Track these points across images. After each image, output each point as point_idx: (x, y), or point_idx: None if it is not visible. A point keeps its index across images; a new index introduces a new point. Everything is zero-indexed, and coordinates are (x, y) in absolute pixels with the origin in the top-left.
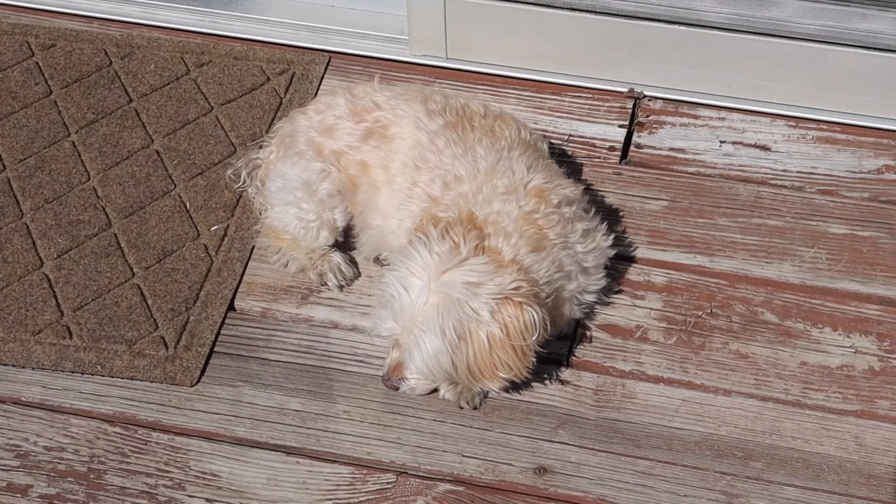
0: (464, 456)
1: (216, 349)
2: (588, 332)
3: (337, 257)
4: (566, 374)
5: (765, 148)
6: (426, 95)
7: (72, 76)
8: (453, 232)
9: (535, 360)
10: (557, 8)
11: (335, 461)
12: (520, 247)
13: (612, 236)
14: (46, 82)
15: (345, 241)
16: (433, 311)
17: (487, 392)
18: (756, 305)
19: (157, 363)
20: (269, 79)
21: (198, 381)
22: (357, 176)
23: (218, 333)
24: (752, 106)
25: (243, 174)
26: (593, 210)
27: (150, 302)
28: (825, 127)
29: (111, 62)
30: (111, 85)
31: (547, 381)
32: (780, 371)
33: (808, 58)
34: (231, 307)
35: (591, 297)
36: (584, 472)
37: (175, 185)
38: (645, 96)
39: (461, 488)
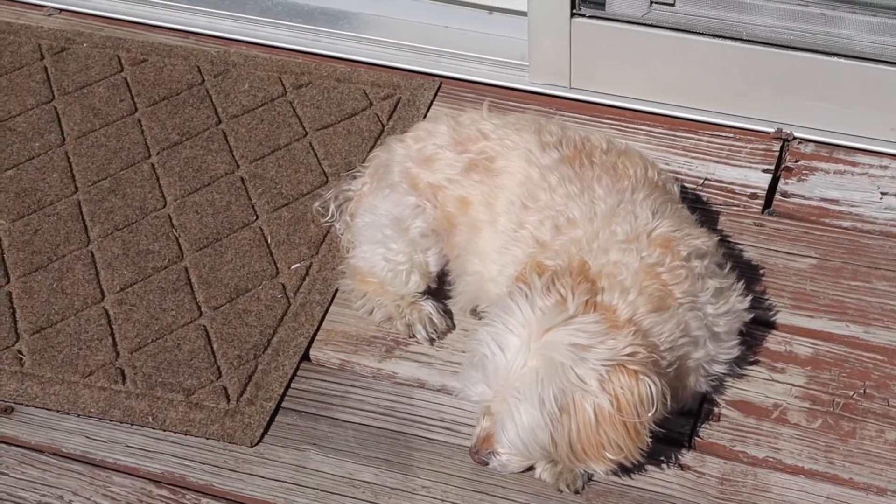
0: None
1: (284, 404)
2: (716, 409)
3: (428, 306)
4: (687, 457)
5: None
6: (541, 125)
7: (160, 94)
8: (560, 283)
9: (650, 440)
10: (699, 34)
11: None
12: (639, 305)
13: (750, 297)
14: (132, 99)
15: (438, 289)
16: (532, 377)
17: (592, 474)
18: None
19: (215, 417)
20: (371, 104)
21: (259, 441)
22: (455, 214)
23: (287, 386)
24: None
25: (332, 207)
26: (729, 266)
27: (215, 346)
28: None
29: (203, 80)
30: (201, 104)
31: (664, 465)
32: None
33: None
34: (305, 357)
35: (721, 368)
36: None
37: (257, 217)
38: (794, 138)
39: None
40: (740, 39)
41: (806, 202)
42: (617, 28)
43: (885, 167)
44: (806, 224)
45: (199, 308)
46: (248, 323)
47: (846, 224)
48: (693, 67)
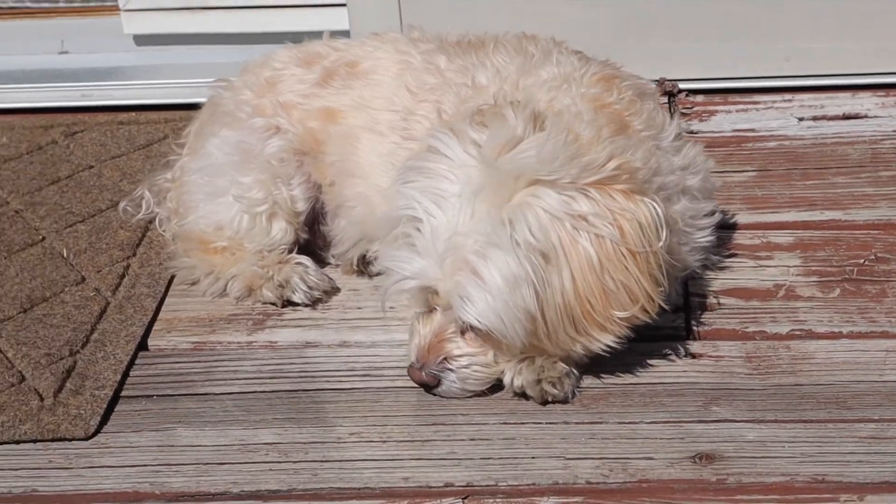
0: (568, 459)
1: (124, 393)
2: (708, 301)
3: (303, 260)
4: (694, 346)
5: (858, 116)
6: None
7: None
8: (491, 113)
9: (664, 287)
10: None
11: (351, 498)
12: (601, 125)
13: (712, 160)
14: None
15: (308, 251)
16: (493, 220)
17: (580, 375)
18: None
19: (25, 417)
20: (166, 136)
21: (97, 432)
22: (320, 129)
23: (125, 375)
24: (822, 81)
25: (147, 198)
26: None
27: (10, 354)
28: None
29: None
30: None
31: (670, 357)
32: None
33: None
34: (143, 347)
35: (704, 238)
36: (774, 451)
37: (44, 238)
38: (680, 91)
39: (578, 499)
40: None
41: (719, 134)
42: None
43: (790, 100)
44: (729, 149)
45: None
46: (53, 325)
47: (772, 144)
48: (547, 22)
